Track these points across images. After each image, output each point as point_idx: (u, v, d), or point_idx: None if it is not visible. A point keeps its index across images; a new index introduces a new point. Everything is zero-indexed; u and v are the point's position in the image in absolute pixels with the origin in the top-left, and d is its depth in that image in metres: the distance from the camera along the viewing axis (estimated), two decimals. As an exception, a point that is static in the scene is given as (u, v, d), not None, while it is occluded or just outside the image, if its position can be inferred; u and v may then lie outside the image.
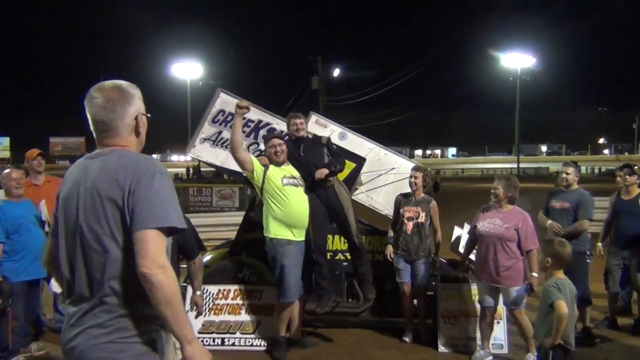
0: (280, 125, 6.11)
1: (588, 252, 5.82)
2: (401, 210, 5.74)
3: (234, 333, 5.58)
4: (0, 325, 4.92)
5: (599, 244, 6.23)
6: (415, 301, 5.83)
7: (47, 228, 5.16)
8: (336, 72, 49.44)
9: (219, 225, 11.73)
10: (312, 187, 5.28)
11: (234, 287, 5.72)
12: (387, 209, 6.11)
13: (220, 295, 5.67)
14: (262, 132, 6.08)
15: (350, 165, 5.88)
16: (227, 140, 6.03)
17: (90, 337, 1.96)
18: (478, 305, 5.62)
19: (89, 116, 2.15)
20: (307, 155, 5.38)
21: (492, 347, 5.52)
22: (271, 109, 6.36)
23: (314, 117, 6.49)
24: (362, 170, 6.12)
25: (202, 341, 5.40)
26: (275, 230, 5.16)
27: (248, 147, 6.05)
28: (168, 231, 1.98)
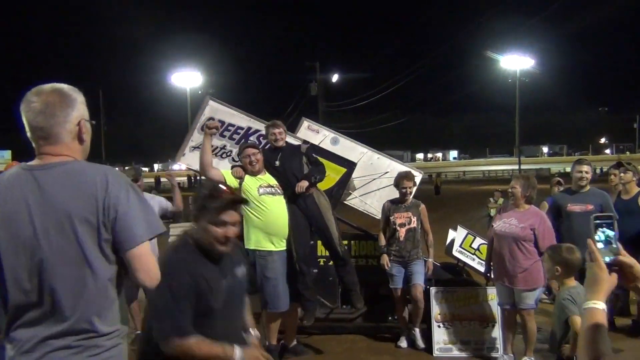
0: (270, 131, 6.07)
1: None
2: (392, 218, 5.70)
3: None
4: None
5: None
6: (409, 305, 5.77)
7: None
8: (335, 78, 49.46)
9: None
10: (292, 197, 5.21)
11: None
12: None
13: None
14: (252, 138, 6.04)
15: (341, 170, 5.85)
16: (217, 147, 6.03)
17: None
18: (473, 308, 5.59)
19: (25, 122, 1.99)
20: (284, 165, 5.30)
21: (488, 350, 5.48)
22: (270, 116, 6.34)
23: (306, 123, 6.48)
24: (355, 175, 6.08)
25: None
26: (255, 241, 5.07)
27: (238, 154, 6.01)
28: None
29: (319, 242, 5.77)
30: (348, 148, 6.26)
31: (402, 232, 5.62)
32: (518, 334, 5.34)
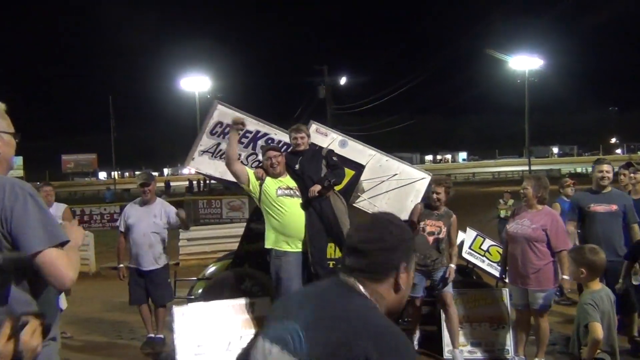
0: (278, 135, 6.10)
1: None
2: (422, 223, 5.53)
3: (235, 350, 5.52)
4: None
5: None
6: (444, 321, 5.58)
7: None
8: (343, 81, 49.47)
9: (229, 237, 11.76)
10: (309, 199, 5.24)
11: (225, 304, 5.57)
12: (390, 216, 6.06)
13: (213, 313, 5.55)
14: (261, 142, 6.06)
15: (349, 173, 5.85)
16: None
17: None
18: (483, 310, 5.58)
19: None
20: (303, 168, 5.34)
21: (498, 352, 5.46)
22: (279, 119, 6.38)
23: (314, 126, 6.47)
24: (364, 177, 6.07)
25: None
26: (272, 241, 5.20)
27: (247, 158, 6.05)
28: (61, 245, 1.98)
29: (331, 245, 5.77)
30: (357, 150, 6.25)
31: (429, 240, 5.46)
32: (530, 336, 5.31)
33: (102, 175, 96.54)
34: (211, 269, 6.62)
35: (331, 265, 5.92)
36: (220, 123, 6.10)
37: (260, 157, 5.93)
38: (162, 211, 6.18)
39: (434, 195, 5.55)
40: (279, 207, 5.16)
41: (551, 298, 5.05)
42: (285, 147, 5.82)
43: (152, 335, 6.09)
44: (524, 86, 47.78)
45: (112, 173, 71.10)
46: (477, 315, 5.59)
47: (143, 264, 6.01)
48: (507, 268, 5.36)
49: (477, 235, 6.40)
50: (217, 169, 6.12)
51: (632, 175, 6.05)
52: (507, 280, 5.47)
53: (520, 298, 5.15)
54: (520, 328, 5.27)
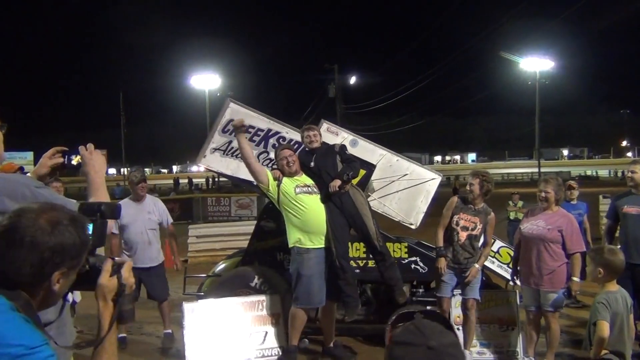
0: (289, 133, 6.12)
1: None
2: (456, 217, 5.32)
3: (244, 347, 5.54)
4: None
5: None
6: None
7: None
8: (353, 80, 49.50)
9: (238, 235, 11.81)
10: (328, 195, 5.28)
11: (234, 301, 5.61)
12: (400, 215, 6.06)
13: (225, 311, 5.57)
14: (272, 140, 6.09)
15: (360, 172, 5.86)
16: (238, 149, 6.08)
17: None
18: (492, 311, 5.57)
19: None
20: (319, 165, 5.39)
21: (508, 353, 5.45)
22: (289, 118, 6.40)
23: (325, 125, 6.48)
24: (374, 177, 6.08)
25: None
26: (294, 238, 5.26)
27: (258, 156, 6.07)
28: None
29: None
30: (367, 150, 6.26)
31: (462, 236, 5.26)
32: (541, 338, 5.30)
33: (112, 171, 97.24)
34: (221, 266, 6.66)
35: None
36: (232, 121, 6.13)
37: (272, 156, 5.96)
38: (154, 207, 6.23)
39: (468, 187, 5.37)
40: (299, 205, 5.22)
41: (562, 299, 5.04)
42: (296, 145, 5.85)
43: (123, 335, 6.09)
44: (535, 88, 47.56)
45: (122, 169, 71.46)
46: (487, 316, 5.58)
47: (144, 262, 5.99)
48: (518, 269, 5.34)
49: (487, 236, 6.37)
50: (229, 167, 6.16)
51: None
52: (518, 282, 5.45)
53: (531, 299, 5.14)
54: (531, 329, 5.26)
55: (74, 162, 2.46)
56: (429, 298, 5.84)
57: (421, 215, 6.01)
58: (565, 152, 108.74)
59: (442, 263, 5.28)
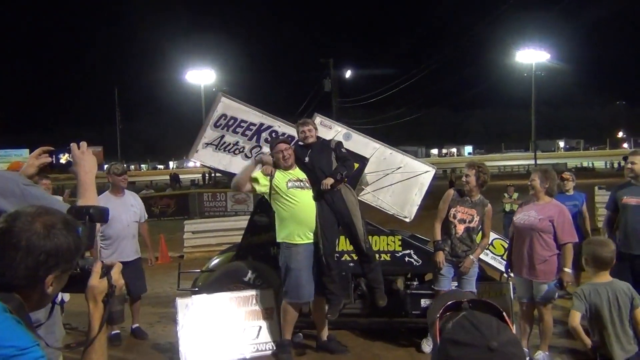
0: (282, 127, 6.10)
1: None
2: (453, 209, 5.33)
3: (238, 342, 5.52)
4: None
5: None
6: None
7: None
8: (348, 74, 49.38)
9: (234, 230, 11.78)
10: (320, 192, 5.27)
11: (228, 296, 5.61)
12: (395, 209, 6.05)
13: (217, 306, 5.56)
14: (264, 135, 6.07)
15: (354, 166, 5.84)
16: (230, 144, 6.08)
17: None
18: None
19: None
20: (313, 161, 5.37)
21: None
22: (285, 112, 6.39)
23: (318, 119, 6.46)
24: (368, 170, 6.07)
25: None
26: (284, 233, 5.26)
27: (251, 151, 6.06)
28: None
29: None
30: (361, 143, 6.24)
31: (460, 228, 5.27)
32: (535, 330, 5.30)
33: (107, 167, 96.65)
34: (215, 261, 6.65)
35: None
36: (224, 115, 6.11)
37: (264, 150, 5.95)
38: (134, 201, 6.27)
39: (463, 179, 5.34)
40: (289, 199, 5.21)
41: (555, 291, 5.05)
42: (289, 139, 5.84)
43: (117, 331, 6.15)
44: (531, 80, 47.58)
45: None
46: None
47: (128, 255, 5.98)
48: (512, 261, 5.34)
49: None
50: (221, 162, 6.14)
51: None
52: (512, 274, 5.46)
53: (524, 291, 5.15)
54: (524, 320, 5.26)
55: (62, 161, 2.43)
56: (422, 290, 5.85)
57: (415, 208, 6.01)
58: (562, 143, 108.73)
59: (440, 257, 5.28)
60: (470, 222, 5.28)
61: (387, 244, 5.93)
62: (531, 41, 48.32)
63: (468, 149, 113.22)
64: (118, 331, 6.18)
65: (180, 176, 45.97)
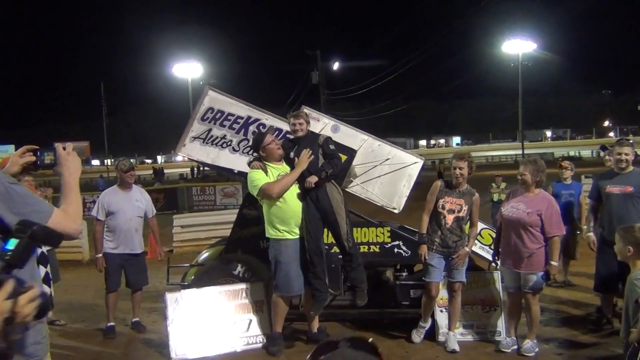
0: (269, 120, 6.08)
1: None
2: (441, 200, 5.30)
3: (229, 336, 5.52)
4: None
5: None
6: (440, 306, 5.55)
7: None
8: (336, 66, 49.23)
9: (223, 224, 11.75)
10: (304, 189, 5.26)
11: (218, 290, 5.60)
12: (384, 200, 6.05)
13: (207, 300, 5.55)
14: (252, 128, 6.05)
15: (341, 158, 5.84)
16: (217, 137, 6.05)
17: None
18: (475, 293, 5.62)
19: None
20: (299, 155, 5.33)
21: (490, 334, 5.50)
22: (272, 105, 6.37)
23: (306, 111, 6.45)
24: (356, 162, 6.06)
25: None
26: (272, 229, 5.26)
27: (238, 144, 6.04)
28: None
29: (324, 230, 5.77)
30: (349, 135, 6.23)
31: (449, 219, 5.26)
32: (522, 318, 5.35)
33: (95, 162, 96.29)
34: (204, 255, 6.63)
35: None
36: (211, 109, 6.08)
37: (251, 143, 5.93)
38: (141, 196, 6.29)
39: (457, 171, 5.27)
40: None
41: (542, 281, 5.08)
42: (277, 132, 5.82)
43: (112, 324, 6.21)
44: (518, 70, 47.75)
45: (105, 160, 70.81)
46: (470, 297, 5.63)
47: (132, 248, 6.12)
48: (499, 251, 5.38)
49: (469, 218, 6.40)
50: (209, 155, 6.11)
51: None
52: (499, 263, 5.50)
53: (512, 280, 5.18)
54: (512, 310, 5.31)
55: (46, 161, 2.40)
56: (411, 281, 5.88)
57: (404, 200, 6.01)
58: (549, 133, 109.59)
59: (424, 250, 5.30)
60: (459, 211, 5.28)
61: (376, 236, 5.95)
62: (518, 31, 48.41)
63: (456, 139, 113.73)
64: (112, 324, 6.20)
65: (170, 170, 45.74)
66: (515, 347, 5.19)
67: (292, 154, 5.37)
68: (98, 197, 6.39)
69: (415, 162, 6.12)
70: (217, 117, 6.06)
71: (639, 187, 5.38)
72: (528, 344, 5.10)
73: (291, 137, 5.56)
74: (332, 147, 5.40)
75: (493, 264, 5.87)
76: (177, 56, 52.28)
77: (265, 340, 5.50)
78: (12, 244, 1.67)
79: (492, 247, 5.88)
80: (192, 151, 6.13)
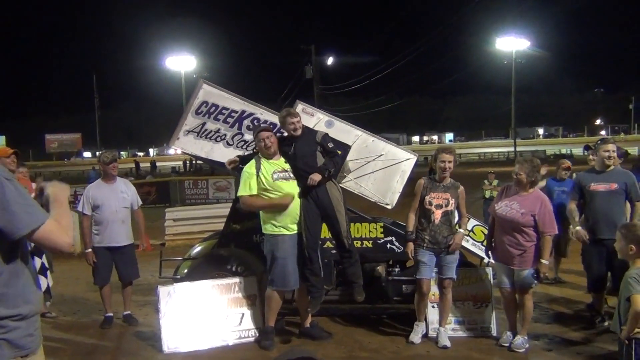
0: (263, 114, 6.08)
1: None
2: (427, 197, 5.31)
3: (221, 329, 5.52)
4: None
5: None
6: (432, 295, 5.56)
7: None
8: (330, 61, 49.23)
9: (216, 217, 11.75)
10: (305, 186, 5.25)
11: (210, 284, 5.60)
12: (377, 196, 6.07)
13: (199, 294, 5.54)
14: (246, 122, 6.04)
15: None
16: (211, 131, 6.05)
17: None
18: (467, 289, 5.65)
19: None
20: (297, 153, 5.32)
21: (481, 330, 5.54)
22: (266, 99, 6.36)
23: (300, 106, 6.44)
24: (350, 158, 6.07)
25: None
26: (269, 224, 5.25)
27: (232, 138, 6.03)
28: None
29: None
30: (343, 131, 6.24)
31: (437, 215, 5.27)
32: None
33: (87, 154, 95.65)
34: (197, 248, 6.63)
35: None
36: (205, 102, 6.07)
37: (246, 137, 5.93)
38: (126, 188, 6.24)
39: (444, 164, 5.27)
40: (275, 191, 5.20)
41: (533, 277, 5.11)
42: (272, 126, 5.81)
43: (110, 314, 6.23)
44: (511, 67, 47.89)
45: (97, 153, 70.46)
46: (461, 294, 5.66)
47: (118, 240, 6.05)
48: (492, 246, 5.40)
49: (461, 215, 6.43)
50: (203, 149, 6.10)
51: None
52: (491, 260, 5.53)
53: (505, 277, 5.21)
54: (509, 306, 5.32)
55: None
56: (404, 277, 5.91)
57: (397, 196, 6.03)
58: (541, 131, 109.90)
59: (410, 247, 5.33)
60: (446, 205, 5.30)
61: (370, 231, 5.97)
62: (511, 29, 48.55)
63: (449, 136, 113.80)
64: (111, 314, 6.21)
65: (162, 163, 45.56)
66: (508, 344, 5.22)
67: (290, 151, 5.34)
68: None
69: (409, 158, 6.14)
70: (211, 110, 6.04)
71: (623, 184, 5.47)
72: (519, 339, 5.13)
73: (284, 134, 5.51)
74: (331, 144, 5.39)
75: (485, 260, 5.90)
76: (170, 49, 52.10)
77: (257, 334, 5.51)
78: None
79: (484, 243, 5.91)
80: (185, 145, 6.12)
